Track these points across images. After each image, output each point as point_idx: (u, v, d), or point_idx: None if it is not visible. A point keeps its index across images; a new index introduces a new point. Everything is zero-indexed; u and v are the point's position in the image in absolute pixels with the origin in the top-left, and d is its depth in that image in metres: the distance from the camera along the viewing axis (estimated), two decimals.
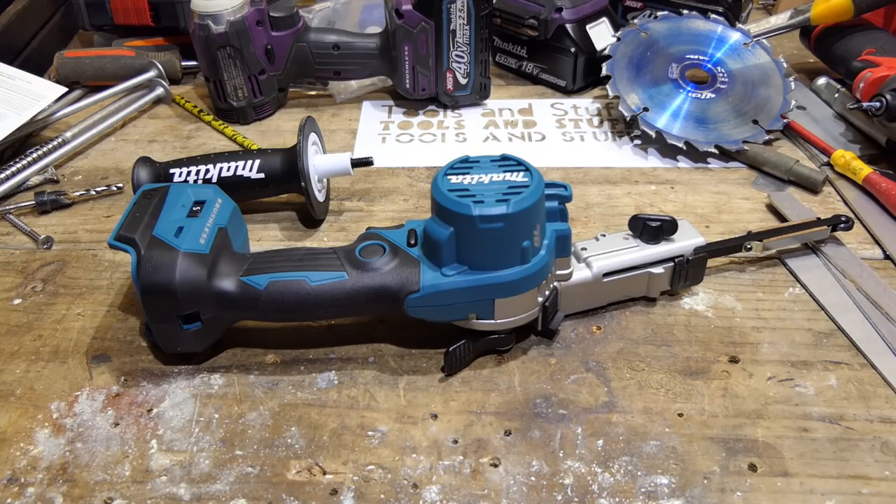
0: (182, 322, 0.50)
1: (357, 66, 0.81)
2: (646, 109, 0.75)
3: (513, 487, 0.45)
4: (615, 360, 0.53)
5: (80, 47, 0.98)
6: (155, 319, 0.50)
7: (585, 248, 0.55)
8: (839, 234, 0.62)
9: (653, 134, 0.73)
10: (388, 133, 0.81)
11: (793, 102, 0.76)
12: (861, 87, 0.72)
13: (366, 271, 0.49)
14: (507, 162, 0.50)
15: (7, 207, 0.69)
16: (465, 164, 0.50)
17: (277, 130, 0.81)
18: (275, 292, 0.49)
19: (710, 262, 0.58)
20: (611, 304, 0.56)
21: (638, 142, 0.77)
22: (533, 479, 0.45)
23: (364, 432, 0.48)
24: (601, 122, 0.81)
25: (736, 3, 0.85)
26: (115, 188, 0.71)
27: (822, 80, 0.82)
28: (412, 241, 0.51)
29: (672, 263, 0.55)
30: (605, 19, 0.85)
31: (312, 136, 0.64)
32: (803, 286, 0.58)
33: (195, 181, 0.63)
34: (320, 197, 0.66)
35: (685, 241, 0.55)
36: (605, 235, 0.56)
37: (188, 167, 0.63)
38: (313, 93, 0.88)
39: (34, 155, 0.73)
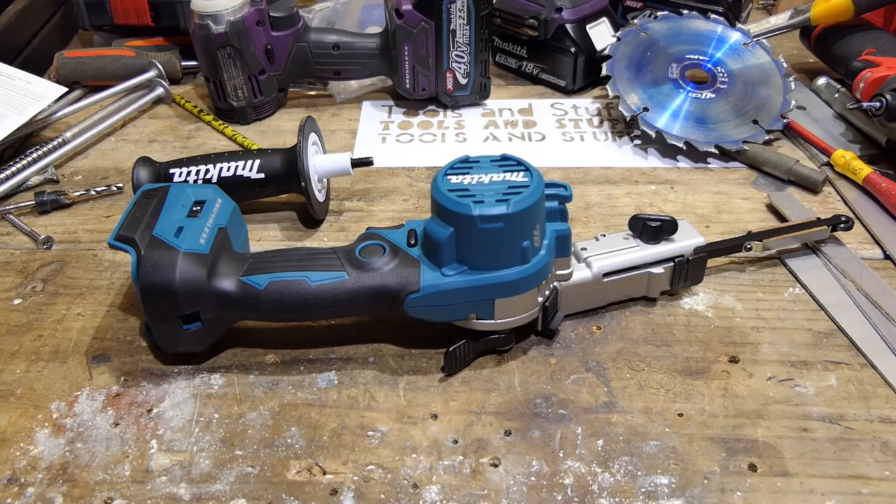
0: (182, 322, 0.50)
1: (357, 66, 0.81)
2: (646, 109, 0.75)
3: (513, 487, 0.45)
4: (615, 360, 0.53)
5: (80, 47, 0.98)
6: (155, 319, 0.50)
7: (585, 248, 0.55)
8: (839, 234, 0.62)
9: (653, 134, 0.73)
10: (388, 133, 0.81)
11: (793, 102, 0.76)
12: (861, 87, 0.72)
13: (366, 271, 0.49)
14: (507, 162, 0.50)
15: (7, 207, 0.69)
16: (465, 164, 0.50)
17: (277, 130, 0.81)
18: (275, 292, 0.49)
19: (710, 262, 0.58)
20: (611, 304, 0.56)
21: (638, 142, 0.77)
22: (533, 479, 0.45)
23: (364, 432, 0.48)
24: (601, 122, 0.81)
25: (736, 3, 0.85)
26: (115, 188, 0.71)
27: (822, 80, 0.82)
28: (412, 241, 0.51)
29: (672, 263, 0.55)
30: (605, 19, 0.85)
31: (312, 136, 0.64)
32: (803, 286, 0.58)
33: (195, 181, 0.63)
34: (320, 197, 0.65)
35: (685, 241, 0.55)
36: (605, 235, 0.56)
37: (188, 167, 0.63)
38: (313, 93, 0.88)
39: (34, 155, 0.73)
